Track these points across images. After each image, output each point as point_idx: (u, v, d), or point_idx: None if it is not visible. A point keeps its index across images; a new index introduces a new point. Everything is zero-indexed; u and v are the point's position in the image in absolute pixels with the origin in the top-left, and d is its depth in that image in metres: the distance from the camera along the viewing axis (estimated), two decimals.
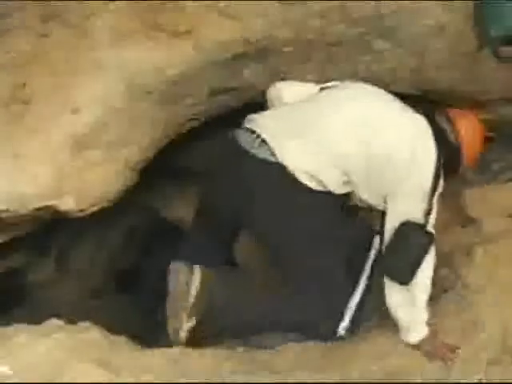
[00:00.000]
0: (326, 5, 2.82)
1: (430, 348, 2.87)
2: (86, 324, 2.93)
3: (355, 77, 3.13)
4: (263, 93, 3.17)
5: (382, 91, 2.97)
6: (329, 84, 3.03)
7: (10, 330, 2.76)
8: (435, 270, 3.28)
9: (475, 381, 2.75)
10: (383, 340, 2.99)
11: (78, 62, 2.78)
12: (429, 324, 2.90)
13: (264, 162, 2.83)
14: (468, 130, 3.02)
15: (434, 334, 2.90)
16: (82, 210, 2.78)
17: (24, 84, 2.72)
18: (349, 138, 2.80)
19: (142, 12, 2.79)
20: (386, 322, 2.99)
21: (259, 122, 2.88)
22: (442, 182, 2.89)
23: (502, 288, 3.08)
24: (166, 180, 4.05)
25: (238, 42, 2.86)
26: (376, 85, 3.15)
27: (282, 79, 3.11)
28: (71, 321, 2.94)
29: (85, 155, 2.75)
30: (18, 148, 2.66)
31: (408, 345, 2.90)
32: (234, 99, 3.21)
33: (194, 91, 3.05)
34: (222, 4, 2.76)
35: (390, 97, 2.94)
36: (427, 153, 2.83)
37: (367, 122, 2.82)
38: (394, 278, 2.87)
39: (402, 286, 2.86)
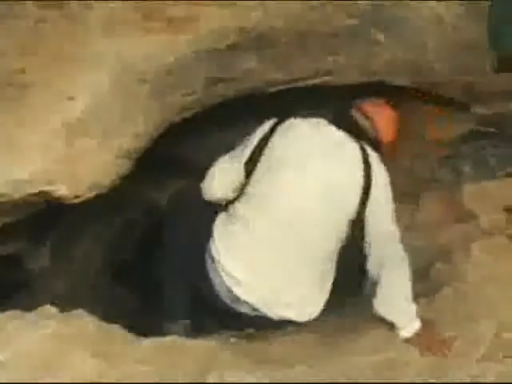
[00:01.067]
0: None
1: (424, 342, 2.86)
2: (81, 312, 2.93)
3: (353, 69, 3.14)
4: (260, 83, 3.19)
5: (311, 134, 3.02)
6: (255, 142, 3.05)
7: (2, 316, 2.76)
8: (432, 264, 3.32)
9: (468, 379, 2.74)
10: (379, 334, 3.00)
11: (74, 49, 2.77)
12: (423, 317, 2.90)
13: (245, 316, 3.06)
14: (385, 122, 3.13)
15: (428, 327, 2.89)
16: (76, 197, 2.78)
17: (19, 70, 2.72)
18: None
19: (138, 0, 2.78)
20: None
21: (229, 270, 3.00)
22: (373, 194, 2.96)
23: (498, 283, 3.11)
24: (165, 172, 4.04)
25: (234, 32, 2.87)
26: (372, 77, 3.19)
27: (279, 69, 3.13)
28: (66, 309, 2.96)
29: (79, 142, 2.74)
30: (13, 133, 2.66)
31: (403, 339, 2.90)
32: (231, 89, 3.21)
33: (189, 81, 3.05)
34: None
35: (323, 138, 3.01)
36: (353, 177, 2.95)
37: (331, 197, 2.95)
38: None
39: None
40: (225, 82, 3.14)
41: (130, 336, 2.91)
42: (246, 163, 3.04)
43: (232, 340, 3.06)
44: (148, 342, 2.89)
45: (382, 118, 3.13)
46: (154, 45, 2.83)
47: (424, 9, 2.90)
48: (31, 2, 2.77)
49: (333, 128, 3.01)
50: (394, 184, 3.03)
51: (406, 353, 2.89)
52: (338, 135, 3.00)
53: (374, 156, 3.00)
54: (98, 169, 2.79)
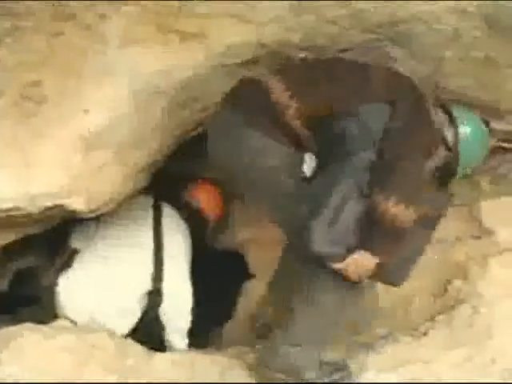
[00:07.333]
0: (339, 11, 2.87)
1: None
2: (95, 326, 3.00)
3: None
4: None
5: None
6: None
7: (17, 329, 2.84)
8: (449, 280, 3.37)
9: None
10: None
11: (89, 63, 2.85)
12: None
13: None
14: (206, 198, 3.84)
15: None
16: (92, 211, 2.86)
17: (35, 83, 2.79)
18: None
19: (153, 15, 2.86)
20: None
21: None
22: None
23: None
24: None
25: (250, 47, 2.96)
26: None
27: None
28: None
29: (95, 156, 2.84)
30: (28, 147, 2.75)
31: None
32: None
33: (204, 95, 3.13)
34: (234, 8, 2.83)
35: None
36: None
37: None
38: None
39: None
40: None
41: (145, 350, 2.98)
42: None
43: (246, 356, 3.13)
44: (161, 357, 2.96)
45: (205, 199, 3.84)
46: (169, 59, 2.92)
47: (441, 24, 2.95)
48: (47, 14, 2.83)
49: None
50: None
51: None
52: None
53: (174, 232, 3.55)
54: (113, 183, 2.88)
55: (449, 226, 3.41)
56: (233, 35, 2.90)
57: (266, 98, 2.73)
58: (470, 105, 3.25)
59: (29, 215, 2.79)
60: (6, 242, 3.02)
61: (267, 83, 2.76)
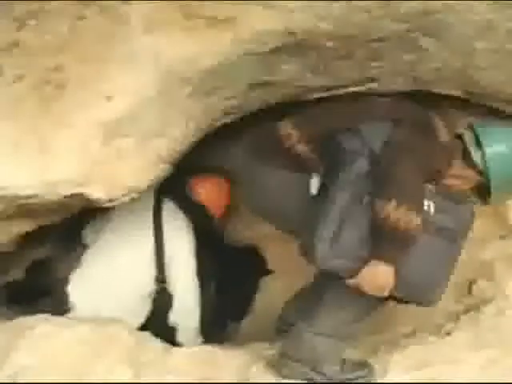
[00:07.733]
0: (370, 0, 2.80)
1: None
2: (111, 318, 2.98)
3: (398, 76, 3.14)
4: (302, 88, 3.18)
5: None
6: None
7: (33, 320, 2.82)
8: (475, 280, 3.34)
9: None
10: None
11: (113, 48, 2.79)
12: None
13: None
14: (207, 192, 3.74)
15: None
16: (111, 200, 2.81)
17: (57, 68, 2.75)
18: None
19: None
20: None
21: None
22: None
23: None
24: None
25: (278, 35, 2.88)
26: (418, 85, 3.18)
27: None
28: None
29: (116, 144, 2.79)
30: (49, 134, 2.70)
31: None
32: (272, 94, 3.25)
33: (231, 84, 3.08)
34: None
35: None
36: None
37: None
38: None
39: None
40: (267, 85, 3.17)
41: (162, 344, 2.95)
42: None
43: (265, 352, 3.09)
44: (180, 352, 2.93)
45: (201, 189, 3.73)
46: (195, 45, 2.85)
47: (475, 15, 2.88)
48: None
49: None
50: None
51: None
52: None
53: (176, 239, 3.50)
54: (134, 172, 2.84)
55: (474, 225, 3.37)
56: (260, 22, 2.81)
57: (275, 134, 2.97)
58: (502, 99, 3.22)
59: (47, 203, 2.75)
60: (23, 231, 3.00)
61: (276, 126, 3.00)
